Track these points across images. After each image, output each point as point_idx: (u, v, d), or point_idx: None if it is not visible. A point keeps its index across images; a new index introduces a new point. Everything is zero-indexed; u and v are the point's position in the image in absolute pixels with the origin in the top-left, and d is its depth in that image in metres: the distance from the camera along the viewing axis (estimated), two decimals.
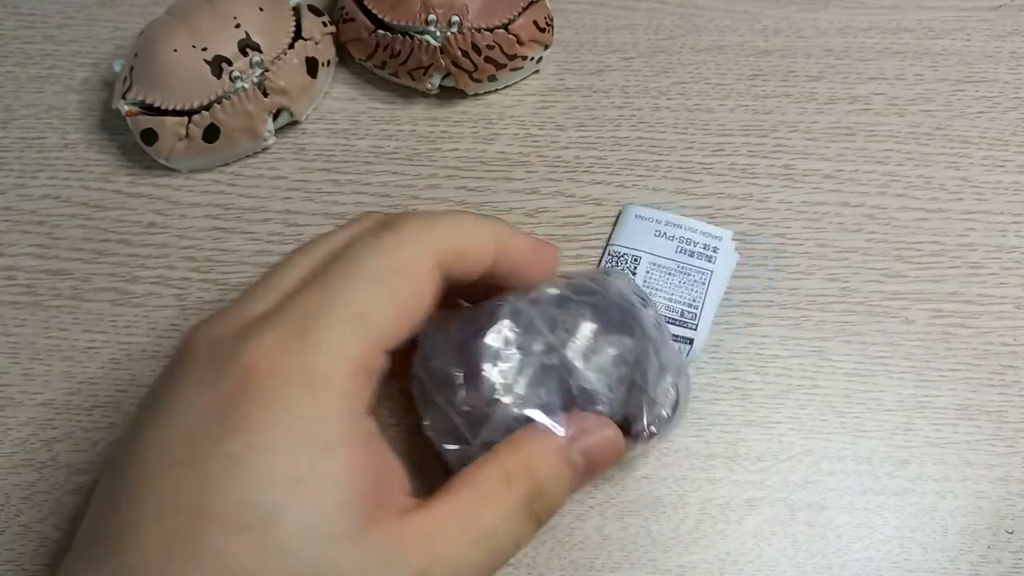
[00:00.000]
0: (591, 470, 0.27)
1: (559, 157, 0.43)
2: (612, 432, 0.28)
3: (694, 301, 0.38)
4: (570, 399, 0.28)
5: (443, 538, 0.22)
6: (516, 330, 0.27)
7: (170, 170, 0.43)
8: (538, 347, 0.27)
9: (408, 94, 0.45)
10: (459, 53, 0.42)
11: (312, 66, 0.43)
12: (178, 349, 0.24)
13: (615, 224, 0.41)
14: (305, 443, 0.20)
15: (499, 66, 0.43)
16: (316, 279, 0.23)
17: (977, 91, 0.45)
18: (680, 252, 0.39)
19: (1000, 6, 0.47)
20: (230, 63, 0.40)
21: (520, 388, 0.27)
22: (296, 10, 0.44)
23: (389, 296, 0.23)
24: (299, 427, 0.20)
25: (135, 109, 0.41)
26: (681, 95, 0.45)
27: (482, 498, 0.23)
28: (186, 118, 0.40)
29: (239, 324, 0.23)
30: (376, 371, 0.23)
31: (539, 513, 0.25)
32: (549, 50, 0.44)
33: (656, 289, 0.39)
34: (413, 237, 0.24)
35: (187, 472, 0.20)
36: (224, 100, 0.40)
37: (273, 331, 0.21)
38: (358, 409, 0.22)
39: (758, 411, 0.37)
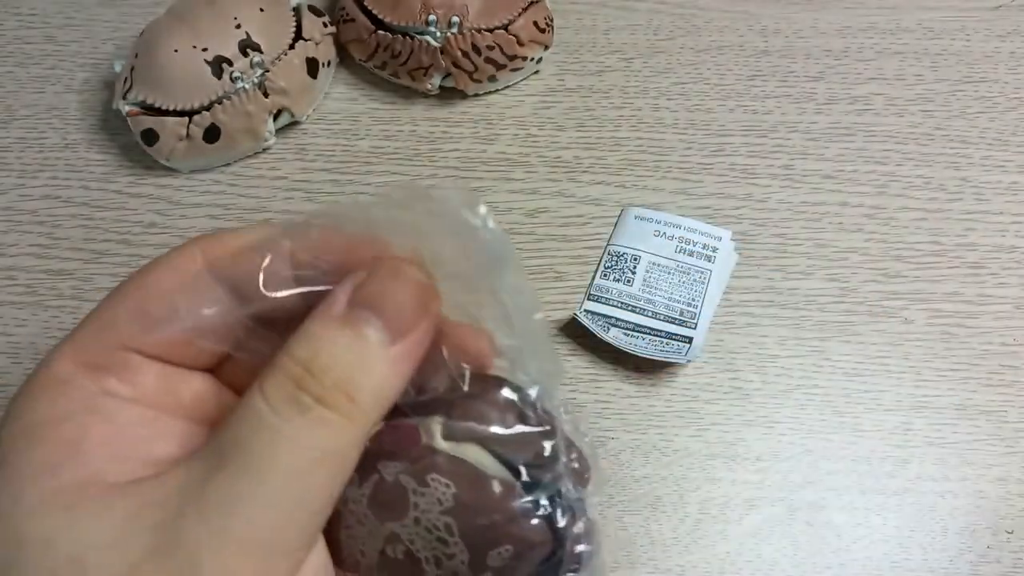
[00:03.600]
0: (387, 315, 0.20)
1: (559, 157, 0.43)
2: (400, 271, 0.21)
3: (693, 300, 0.38)
4: None
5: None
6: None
7: (171, 170, 0.43)
8: None
9: (408, 94, 0.45)
10: (459, 54, 0.42)
11: (312, 66, 0.43)
12: None
13: (615, 224, 0.41)
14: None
15: (499, 66, 0.43)
16: None
17: (977, 91, 0.45)
18: (680, 252, 0.39)
19: (1000, 6, 0.47)
20: (231, 63, 0.40)
21: None
22: (296, 11, 0.44)
23: (116, 297, 0.22)
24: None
25: (136, 109, 0.41)
26: (681, 95, 0.45)
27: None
28: (187, 118, 0.40)
29: None
30: (111, 361, 0.22)
31: (317, 398, 0.19)
32: (549, 51, 0.45)
33: (655, 288, 0.39)
34: (178, 248, 0.23)
35: None
36: (225, 100, 0.40)
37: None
38: (74, 398, 0.21)
39: (758, 411, 0.37)
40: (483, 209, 0.21)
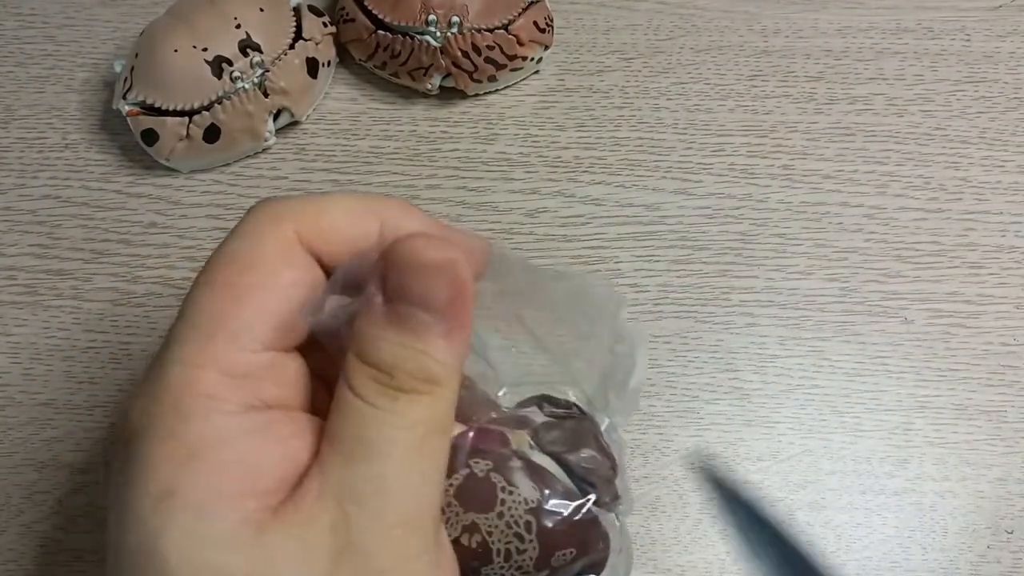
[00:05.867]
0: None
1: (559, 157, 0.43)
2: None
3: None
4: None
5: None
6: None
7: (171, 170, 0.43)
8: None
9: (408, 94, 0.45)
10: (459, 54, 0.42)
11: (312, 66, 0.43)
12: None
13: None
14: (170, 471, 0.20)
15: (499, 67, 0.43)
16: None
17: (976, 91, 0.45)
18: None
19: (1000, 6, 0.47)
20: (231, 63, 0.40)
21: None
22: (296, 11, 0.44)
23: (231, 297, 0.21)
24: (162, 456, 0.20)
25: (136, 109, 0.41)
26: (681, 95, 0.45)
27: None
28: (187, 118, 0.40)
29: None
30: (255, 367, 0.21)
31: (398, 389, 0.21)
32: (549, 51, 0.45)
33: None
34: (253, 223, 0.22)
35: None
36: (225, 100, 0.40)
37: (141, 394, 0.21)
38: (231, 414, 0.21)
39: (758, 411, 0.37)
40: (624, 313, 0.26)
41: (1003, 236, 0.41)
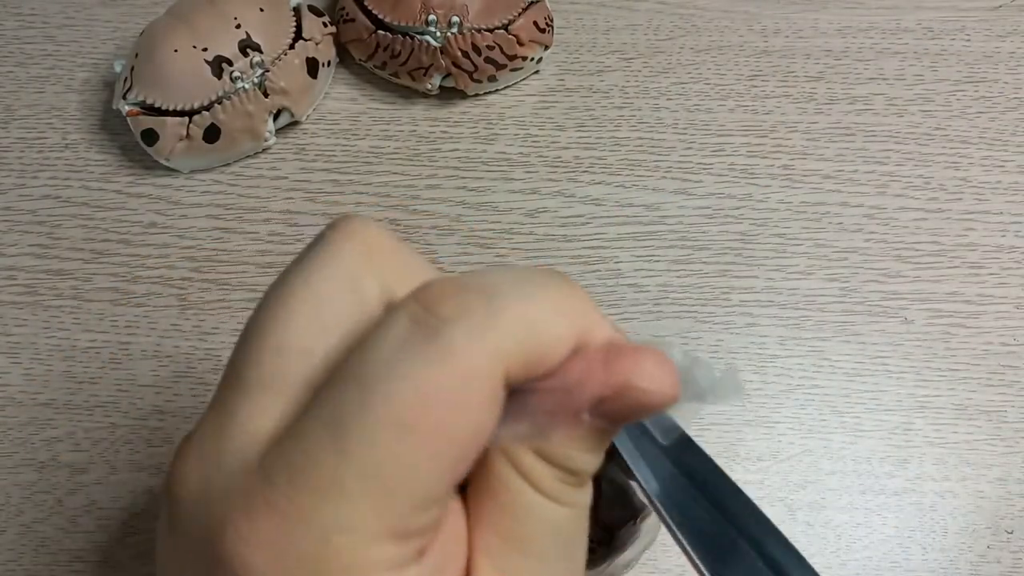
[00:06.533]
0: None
1: (559, 157, 0.43)
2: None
3: None
4: None
5: None
6: None
7: (171, 170, 0.43)
8: None
9: (408, 94, 0.45)
10: (459, 54, 0.42)
11: (312, 66, 0.43)
12: (166, 485, 0.19)
13: None
14: None
15: (499, 67, 0.43)
16: (325, 418, 0.17)
17: (976, 91, 0.45)
18: None
19: (1000, 6, 0.47)
20: (231, 63, 0.40)
21: None
22: (296, 11, 0.44)
23: (427, 449, 0.17)
24: None
25: (136, 109, 0.41)
26: (681, 95, 0.45)
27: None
28: (187, 118, 0.40)
29: (225, 471, 0.18)
30: (427, 525, 0.18)
31: (583, 483, 0.20)
32: (549, 51, 0.45)
33: None
34: (467, 348, 0.17)
35: None
36: (225, 100, 0.40)
37: (268, 515, 0.16)
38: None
39: (758, 411, 0.37)
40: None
41: (1003, 236, 0.41)
